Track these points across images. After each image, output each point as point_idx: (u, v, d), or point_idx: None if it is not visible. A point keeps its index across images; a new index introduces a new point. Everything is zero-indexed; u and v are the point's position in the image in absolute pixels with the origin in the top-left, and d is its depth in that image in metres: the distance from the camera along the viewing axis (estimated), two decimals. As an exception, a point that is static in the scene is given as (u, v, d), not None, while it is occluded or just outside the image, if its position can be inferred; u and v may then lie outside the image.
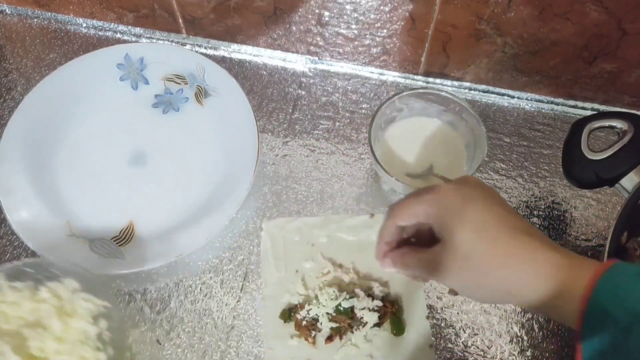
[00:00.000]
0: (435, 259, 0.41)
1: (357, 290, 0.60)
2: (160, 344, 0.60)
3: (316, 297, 0.60)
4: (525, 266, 0.38)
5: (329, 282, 0.61)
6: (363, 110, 0.74)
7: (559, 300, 0.37)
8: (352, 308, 0.59)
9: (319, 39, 0.74)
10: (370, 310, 0.59)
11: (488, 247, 0.38)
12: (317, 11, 0.69)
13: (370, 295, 0.60)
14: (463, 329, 0.61)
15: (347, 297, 0.59)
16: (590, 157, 0.58)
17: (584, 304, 0.35)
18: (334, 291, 0.60)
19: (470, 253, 0.39)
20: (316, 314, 0.59)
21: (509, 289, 0.38)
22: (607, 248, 0.52)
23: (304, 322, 0.59)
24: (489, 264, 0.38)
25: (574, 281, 0.36)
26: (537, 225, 0.66)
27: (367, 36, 0.71)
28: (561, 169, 0.62)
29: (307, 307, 0.59)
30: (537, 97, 0.74)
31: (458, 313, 0.61)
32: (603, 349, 0.34)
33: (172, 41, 0.80)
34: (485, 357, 0.59)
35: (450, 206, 0.40)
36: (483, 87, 0.75)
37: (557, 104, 0.75)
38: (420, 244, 0.45)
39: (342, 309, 0.59)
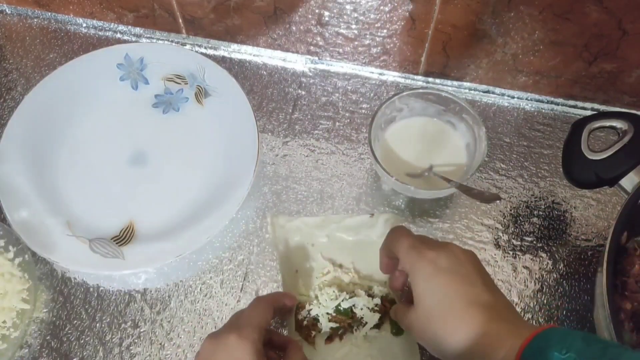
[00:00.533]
0: (410, 322, 0.51)
1: (358, 290, 0.60)
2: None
3: (316, 297, 0.60)
4: (456, 330, 0.47)
5: (329, 282, 0.61)
6: (363, 110, 0.74)
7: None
8: (352, 308, 0.59)
9: (319, 39, 0.74)
10: (370, 310, 0.59)
11: (443, 317, 0.48)
12: (317, 11, 0.69)
13: (370, 295, 0.60)
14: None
15: (347, 297, 0.59)
16: (590, 157, 0.58)
17: (518, 357, 0.43)
18: (334, 291, 0.59)
19: (430, 318, 0.49)
20: (316, 314, 0.59)
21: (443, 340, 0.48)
22: (607, 248, 0.52)
23: (304, 322, 0.59)
24: (441, 329, 0.48)
25: (502, 348, 0.44)
26: (537, 225, 0.66)
27: (367, 36, 0.71)
28: (561, 169, 0.62)
29: (307, 307, 0.59)
30: (537, 97, 0.74)
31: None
32: None
33: (172, 41, 0.80)
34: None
35: (422, 274, 0.50)
36: (483, 87, 0.75)
37: (557, 104, 0.74)
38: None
39: (342, 309, 0.59)
